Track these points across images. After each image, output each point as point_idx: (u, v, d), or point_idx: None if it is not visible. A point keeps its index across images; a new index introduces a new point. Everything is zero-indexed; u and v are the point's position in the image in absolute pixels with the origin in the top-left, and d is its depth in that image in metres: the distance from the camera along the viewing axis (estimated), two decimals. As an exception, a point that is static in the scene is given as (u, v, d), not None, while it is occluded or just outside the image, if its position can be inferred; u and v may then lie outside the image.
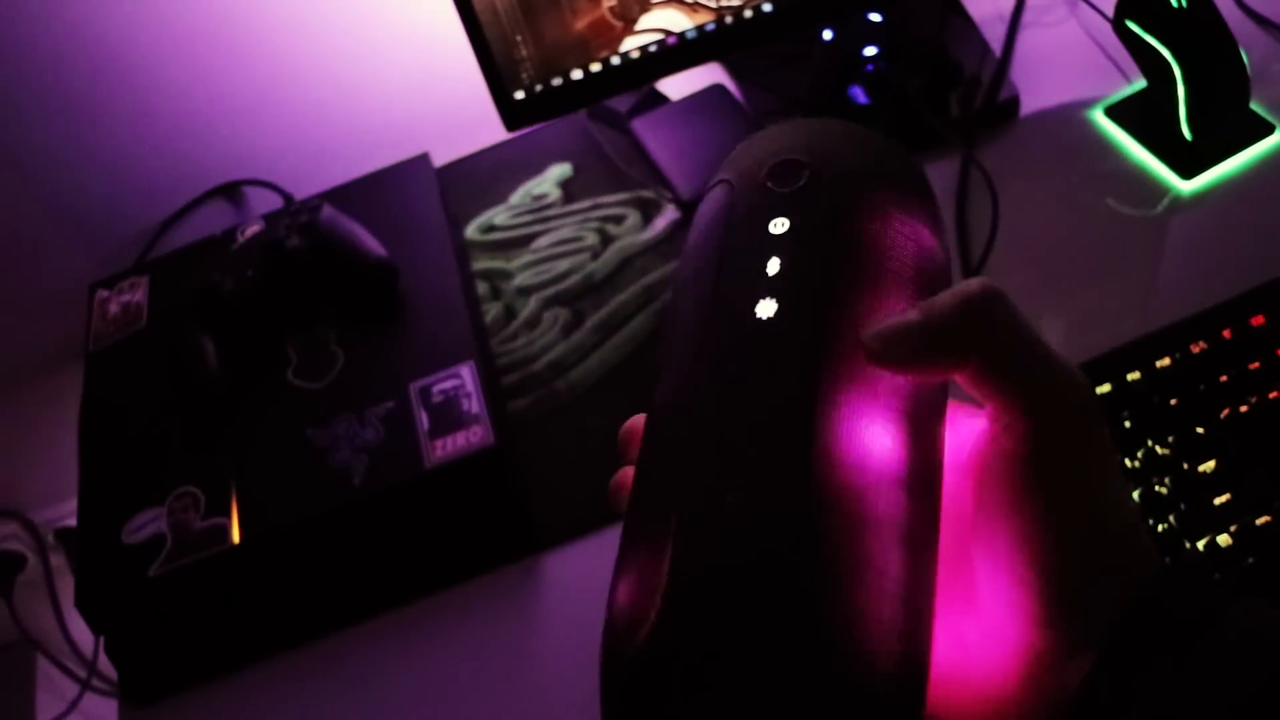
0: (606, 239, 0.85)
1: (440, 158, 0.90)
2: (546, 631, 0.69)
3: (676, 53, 0.78)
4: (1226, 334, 0.70)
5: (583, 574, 0.70)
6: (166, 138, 0.91)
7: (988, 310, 0.28)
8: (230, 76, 0.89)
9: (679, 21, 0.76)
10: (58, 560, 0.82)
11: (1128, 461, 0.66)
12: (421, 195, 0.80)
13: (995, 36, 0.93)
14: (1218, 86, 0.81)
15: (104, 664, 0.74)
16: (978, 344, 0.28)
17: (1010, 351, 0.28)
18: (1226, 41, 0.81)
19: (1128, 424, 0.67)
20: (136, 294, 0.79)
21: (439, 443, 0.66)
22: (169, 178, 0.92)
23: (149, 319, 0.77)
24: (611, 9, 0.74)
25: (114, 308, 0.79)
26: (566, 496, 0.73)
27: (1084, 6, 0.94)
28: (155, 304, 0.78)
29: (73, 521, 0.80)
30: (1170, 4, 0.80)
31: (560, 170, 0.91)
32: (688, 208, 0.85)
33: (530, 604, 0.70)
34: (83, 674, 0.74)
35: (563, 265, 0.84)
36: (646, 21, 0.76)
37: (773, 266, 0.28)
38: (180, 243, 0.88)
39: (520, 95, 0.76)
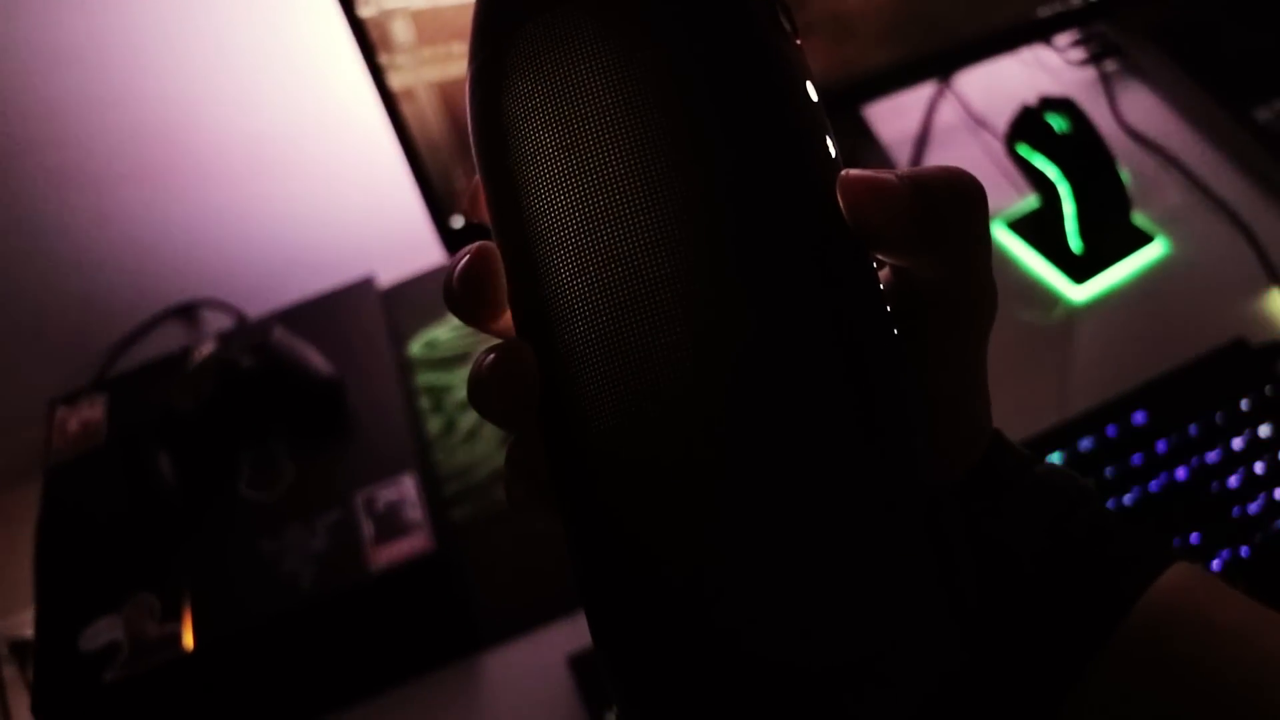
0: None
1: (387, 277, 0.95)
2: (487, 728, 0.72)
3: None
4: (1111, 431, 0.76)
5: (522, 671, 0.74)
6: (125, 260, 0.95)
7: (977, 207, 0.27)
8: (188, 202, 0.94)
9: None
10: (10, 673, 0.83)
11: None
12: (366, 316, 0.85)
13: (903, 157, 1.01)
14: (1100, 203, 0.89)
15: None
16: (956, 237, 0.27)
17: (984, 258, 0.28)
18: (1107, 162, 0.89)
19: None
20: (95, 411, 0.83)
21: (383, 550, 0.70)
22: (127, 298, 0.96)
23: (107, 435, 0.81)
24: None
25: (74, 424, 0.83)
26: (507, 598, 0.77)
27: (983, 131, 1.02)
28: (114, 421, 0.82)
29: (26, 633, 0.83)
30: (1054, 130, 0.88)
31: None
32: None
33: (473, 701, 0.73)
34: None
35: (502, 377, 0.88)
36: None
37: None
38: (138, 361, 0.92)
39: (459, 223, 0.82)
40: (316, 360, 0.79)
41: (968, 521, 0.30)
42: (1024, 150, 0.90)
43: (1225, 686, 0.28)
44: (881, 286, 0.28)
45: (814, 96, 0.28)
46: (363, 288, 0.87)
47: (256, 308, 0.95)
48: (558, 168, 0.26)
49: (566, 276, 0.26)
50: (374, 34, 0.73)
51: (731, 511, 0.25)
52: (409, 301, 0.96)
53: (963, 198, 0.27)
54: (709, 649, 0.25)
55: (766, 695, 0.24)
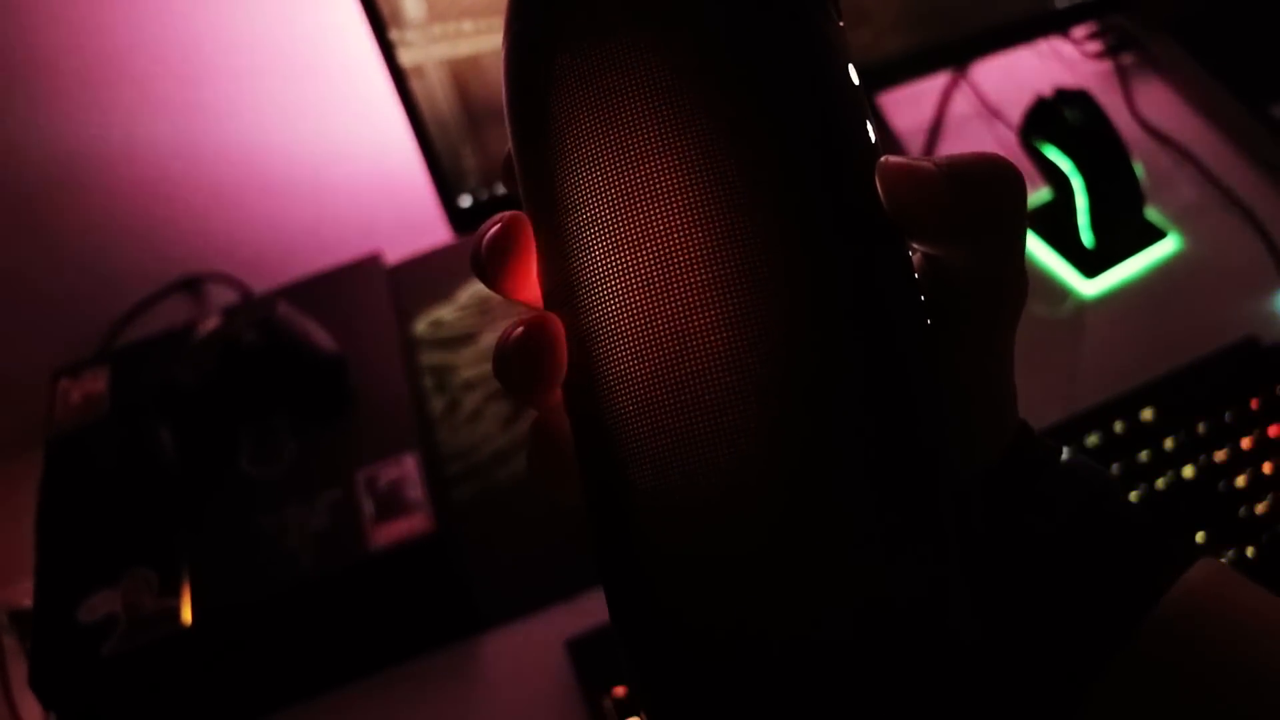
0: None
1: (394, 255, 0.95)
2: (485, 709, 0.72)
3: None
4: (1118, 427, 0.76)
5: (520, 654, 0.74)
6: (130, 232, 0.95)
7: (1016, 195, 0.27)
8: (195, 176, 0.93)
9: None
10: (9, 642, 0.83)
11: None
12: (372, 293, 0.84)
13: (916, 147, 1.00)
14: (1113, 197, 0.88)
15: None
16: (993, 225, 0.27)
17: (1019, 247, 0.28)
18: (1121, 156, 0.88)
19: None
20: (98, 383, 0.83)
21: (383, 529, 0.69)
22: (132, 271, 0.96)
23: (110, 408, 0.80)
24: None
25: (76, 396, 0.83)
26: (506, 580, 0.77)
27: (997, 122, 1.01)
28: (116, 393, 0.81)
29: (26, 603, 0.83)
30: (1068, 122, 0.87)
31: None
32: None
33: (470, 683, 0.73)
34: (31, 755, 0.76)
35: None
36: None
37: None
38: (142, 334, 0.92)
39: (466, 202, 0.81)
40: (321, 337, 0.79)
41: (996, 510, 0.30)
42: (1038, 142, 0.89)
43: (1259, 681, 0.27)
44: (915, 275, 0.28)
45: (855, 80, 0.28)
46: (369, 265, 0.86)
47: (262, 283, 0.95)
48: (595, 143, 0.26)
49: (599, 253, 0.26)
50: (385, 10, 0.72)
51: (756, 495, 0.24)
52: (415, 280, 0.96)
53: (1003, 184, 0.27)
54: (729, 639, 0.25)
55: (776, 681, 0.24)
